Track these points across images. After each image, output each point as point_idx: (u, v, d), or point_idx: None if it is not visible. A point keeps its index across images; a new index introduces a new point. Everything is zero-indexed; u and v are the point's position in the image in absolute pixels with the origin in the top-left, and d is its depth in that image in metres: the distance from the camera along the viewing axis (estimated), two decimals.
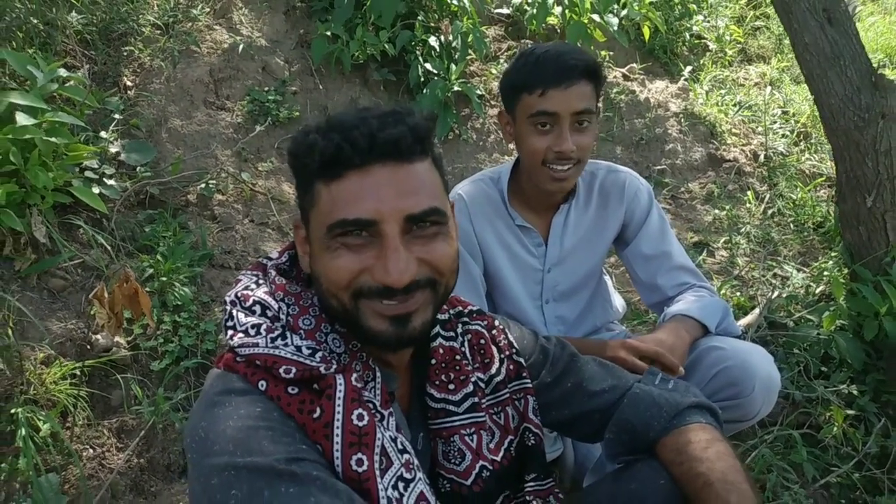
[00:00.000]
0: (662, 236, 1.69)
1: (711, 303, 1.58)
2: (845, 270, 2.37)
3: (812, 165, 3.42)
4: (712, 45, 4.24)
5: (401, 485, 0.86)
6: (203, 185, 2.52)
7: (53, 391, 1.77)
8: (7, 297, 1.87)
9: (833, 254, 2.63)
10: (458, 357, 1.04)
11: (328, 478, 0.78)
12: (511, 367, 1.09)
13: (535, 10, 3.52)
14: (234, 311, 0.89)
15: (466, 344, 1.07)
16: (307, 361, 0.84)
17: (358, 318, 0.85)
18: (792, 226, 3.06)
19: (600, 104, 1.53)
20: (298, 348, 0.85)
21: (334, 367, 0.85)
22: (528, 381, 1.10)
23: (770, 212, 3.13)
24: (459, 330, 1.07)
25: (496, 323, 1.13)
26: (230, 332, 0.87)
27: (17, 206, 1.97)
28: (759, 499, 0.95)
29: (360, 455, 0.82)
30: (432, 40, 3.26)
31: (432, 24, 3.39)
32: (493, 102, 3.42)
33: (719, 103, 3.75)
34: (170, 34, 2.88)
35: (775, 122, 3.67)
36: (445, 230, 0.87)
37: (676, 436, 1.05)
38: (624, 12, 3.76)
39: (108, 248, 2.11)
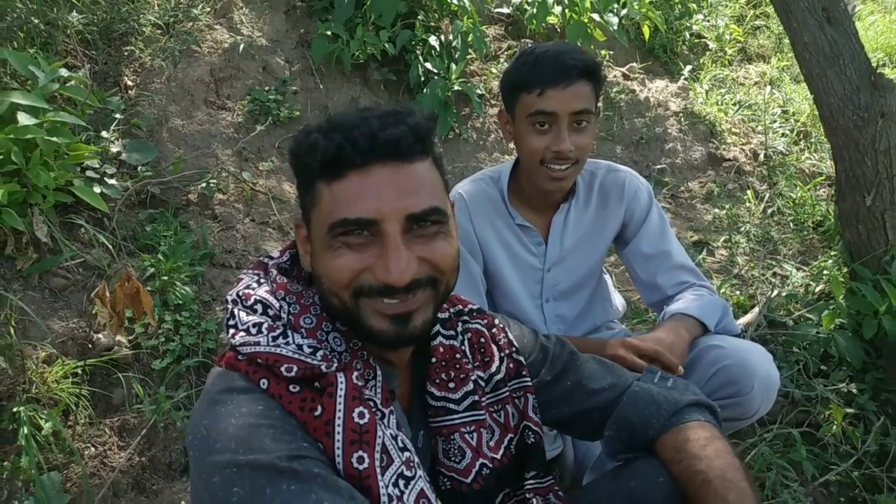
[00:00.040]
0: (662, 235, 1.69)
1: (711, 301, 1.58)
2: (845, 269, 2.37)
3: (812, 164, 3.42)
4: (712, 45, 4.24)
5: (401, 482, 0.87)
6: (204, 185, 2.52)
7: (55, 390, 1.77)
8: (9, 296, 1.88)
9: (832, 253, 2.63)
10: (458, 355, 1.04)
11: (329, 475, 0.79)
12: (511, 365, 1.10)
13: (535, 10, 3.52)
14: (236, 310, 0.89)
15: (466, 342, 1.08)
16: (308, 360, 0.84)
17: (359, 316, 0.86)
18: (791, 225, 3.06)
19: (600, 104, 1.53)
20: (300, 347, 0.86)
21: (335, 365, 0.86)
22: (528, 379, 1.10)
23: (770, 211, 3.13)
24: (459, 328, 1.08)
25: (496, 322, 1.13)
26: (232, 331, 0.88)
27: (18, 205, 1.98)
28: (757, 496, 0.96)
29: (360, 453, 0.82)
30: (432, 40, 3.27)
31: (432, 24, 3.39)
32: (493, 102, 3.42)
33: (719, 102, 3.75)
34: (170, 34, 2.88)
35: (775, 122, 3.68)
36: (446, 229, 0.88)
37: (675, 433, 1.05)
38: (624, 11, 3.76)
39: (110, 247, 2.12)
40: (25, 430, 1.61)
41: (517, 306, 1.69)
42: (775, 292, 2.50)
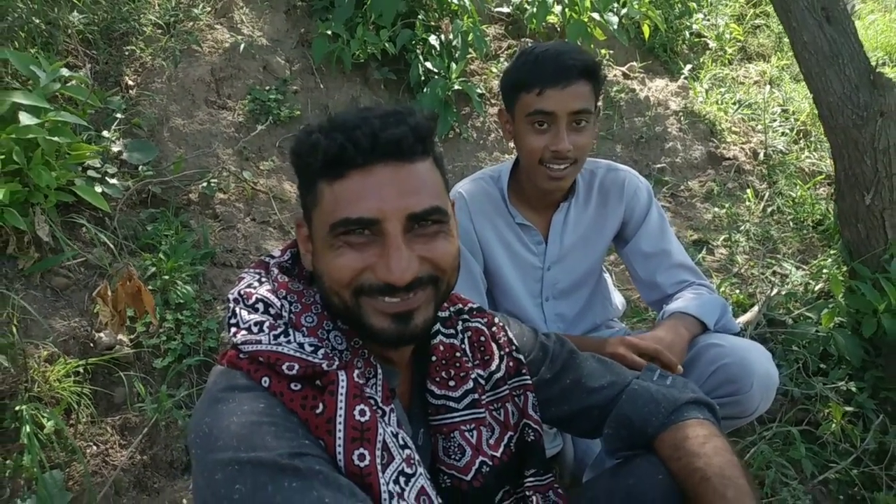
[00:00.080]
0: (662, 234, 1.70)
1: (710, 300, 1.59)
2: (844, 268, 2.38)
3: (811, 163, 3.43)
4: (712, 44, 4.24)
5: (402, 479, 0.87)
6: (205, 184, 2.53)
7: (57, 388, 1.78)
8: (11, 295, 1.89)
9: (832, 251, 2.64)
10: (458, 354, 1.05)
11: (331, 472, 0.79)
12: (511, 363, 1.10)
13: (535, 9, 3.52)
14: (238, 309, 0.90)
15: (466, 341, 1.08)
16: (310, 358, 0.85)
17: (360, 315, 0.87)
18: (791, 223, 3.07)
19: (600, 103, 1.54)
20: (301, 345, 0.86)
21: (336, 363, 0.86)
22: (528, 377, 1.11)
23: (769, 210, 3.14)
24: (460, 327, 1.08)
25: (496, 320, 1.14)
26: (233, 330, 0.88)
27: (20, 205, 1.98)
28: (756, 493, 0.96)
29: (361, 450, 0.83)
30: (433, 39, 3.27)
31: (433, 23, 3.40)
32: (493, 101, 3.42)
33: (719, 101, 3.76)
34: (171, 34, 2.89)
35: (775, 121, 3.68)
36: (447, 228, 0.88)
37: (674, 431, 1.06)
38: (624, 11, 3.76)
39: (111, 246, 2.12)
40: (28, 429, 1.61)
41: (517, 305, 1.70)
42: (775, 291, 2.51)
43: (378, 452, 0.84)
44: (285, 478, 0.76)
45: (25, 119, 1.93)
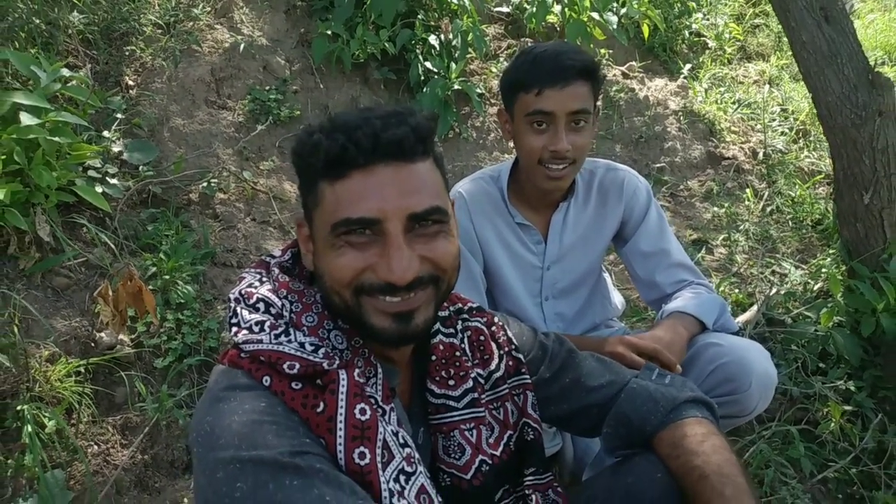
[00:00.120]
0: (661, 234, 1.70)
1: (708, 299, 1.59)
2: (843, 267, 2.38)
3: (811, 163, 3.43)
4: (711, 43, 4.25)
5: (402, 478, 0.88)
6: (205, 184, 2.53)
7: (58, 388, 1.79)
8: (12, 294, 1.89)
9: (831, 251, 2.64)
10: (457, 353, 1.05)
11: (331, 470, 0.80)
12: (510, 363, 1.11)
13: (534, 9, 3.53)
14: (239, 309, 0.90)
15: (466, 340, 1.09)
16: (310, 357, 0.85)
17: (361, 314, 0.87)
18: (790, 223, 3.07)
19: (599, 103, 1.54)
20: (302, 345, 0.87)
21: (337, 363, 0.87)
22: (527, 376, 1.11)
23: (769, 209, 3.14)
24: (459, 326, 1.09)
25: (495, 320, 1.14)
26: (234, 329, 0.89)
27: (21, 205, 1.99)
28: (754, 491, 0.97)
29: (362, 448, 0.83)
30: (432, 39, 3.27)
31: (432, 23, 3.40)
32: (493, 101, 3.43)
33: (718, 101, 3.76)
34: (171, 34, 2.89)
35: (774, 120, 3.68)
36: (447, 228, 0.89)
37: (673, 430, 1.06)
38: (623, 10, 3.77)
39: (112, 246, 2.13)
40: (29, 428, 1.62)
41: (517, 304, 1.70)
42: (774, 290, 2.51)
43: (378, 451, 0.85)
44: (286, 476, 0.76)
45: (26, 119, 1.93)
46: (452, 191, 1.65)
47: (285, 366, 0.84)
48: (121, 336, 1.96)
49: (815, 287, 2.52)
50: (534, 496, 1.08)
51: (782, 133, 3.60)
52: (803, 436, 1.99)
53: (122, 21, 2.81)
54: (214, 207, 2.53)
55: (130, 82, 2.71)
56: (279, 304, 0.91)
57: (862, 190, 2.18)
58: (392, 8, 3.06)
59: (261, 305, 0.90)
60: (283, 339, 0.87)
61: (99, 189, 2.19)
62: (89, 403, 1.83)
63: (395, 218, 0.83)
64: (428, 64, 3.23)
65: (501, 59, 3.63)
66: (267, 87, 3.00)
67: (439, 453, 1.02)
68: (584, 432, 1.21)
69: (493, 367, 1.09)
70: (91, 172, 2.26)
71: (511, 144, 3.23)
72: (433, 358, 1.03)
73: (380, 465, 0.84)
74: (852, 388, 2.08)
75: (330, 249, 0.86)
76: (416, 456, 0.91)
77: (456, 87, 3.20)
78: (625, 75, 3.79)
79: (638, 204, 1.70)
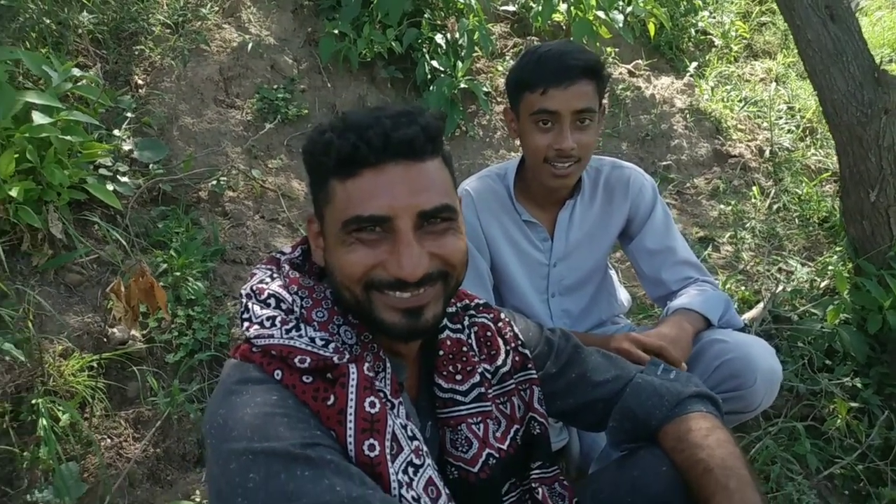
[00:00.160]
0: (667, 231, 1.71)
1: (714, 296, 1.60)
2: (849, 265, 2.38)
3: (817, 161, 3.42)
4: (718, 41, 4.24)
5: (410, 470, 0.89)
6: (214, 182, 2.56)
7: (72, 383, 1.82)
8: (26, 290, 1.92)
9: (837, 248, 2.64)
10: (465, 349, 1.07)
11: (341, 461, 0.81)
12: (517, 358, 1.12)
13: (540, 7, 3.53)
14: (250, 304, 0.92)
15: (473, 336, 1.10)
16: (321, 352, 0.87)
17: (371, 310, 0.89)
18: (797, 221, 3.07)
19: (605, 101, 1.55)
20: (312, 339, 0.88)
21: (347, 357, 0.88)
22: (534, 371, 1.12)
23: (775, 207, 3.14)
24: (466, 322, 1.10)
25: (502, 316, 1.15)
26: (246, 324, 0.90)
27: (34, 202, 2.02)
28: (758, 484, 0.98)
29: (372, 440, 0.85)
30: (439, 38, 3.28)
31: (439, 22, 3.41)
32: (499, 99, 3.44)
33: (725, 99, 3.76)
34: (180, 33, 2.92)
35: (781, 118, 3.68)
36: (455, 225, 0.90)
37: (678, 424, 1.07)
38: (629, 9, 3.76)
39: (123, 243, 2.16)
40: (44, 422, 1.65)
41: (523, 301, 1.72)
42: (780, 287, 2.51)
43: (387, 443, 0.86)
44: (298, 467, 0.78)
45: (38, 118, 1.96)
46: (459, 188, 1.66)
47: (296, 360, 0.86)
48: (133, 331, 1.99)
49: (822, 284, 2.52)
50: (540, 489, 1.09)
51: (789, 131, 3.60)
52: (809, 432, 1.99)
53: (131, 21, 2.83)
54: (224, 205, 2.55)
55: (140, 81, 2.74)
56: (290, 299, 0.92)
57: (868, 188, 2.18)
58: (399, 7, 3.07)
59: (272, 301, 0.92)
60: (293, 333, 0.88)
61: (110, 187, 2.22)
62: (102, 398, 1.86)
63: (405, 215, 0.85)
64: (434, 63, 3.25)
65: (507, 58, 3.64)
66: (275, 86, 3.02)
67: (447, 447, 1.03)
68: (589, 427, 1.22)
69: (499, 362, 1.10)
70: (102, 171, 2.29)
71: (517, 143, 3.24)
72: (441, 353, 1.05)
73: (389, 457, 0.86)
74: (859, 385, 2.08)
75: (341, 246, 0.88)
76: (425, 449, 0.93)
77: (462, 85, 3.21)
78: (631, 73, 3.79)
79: (644, 201, 1.71)
